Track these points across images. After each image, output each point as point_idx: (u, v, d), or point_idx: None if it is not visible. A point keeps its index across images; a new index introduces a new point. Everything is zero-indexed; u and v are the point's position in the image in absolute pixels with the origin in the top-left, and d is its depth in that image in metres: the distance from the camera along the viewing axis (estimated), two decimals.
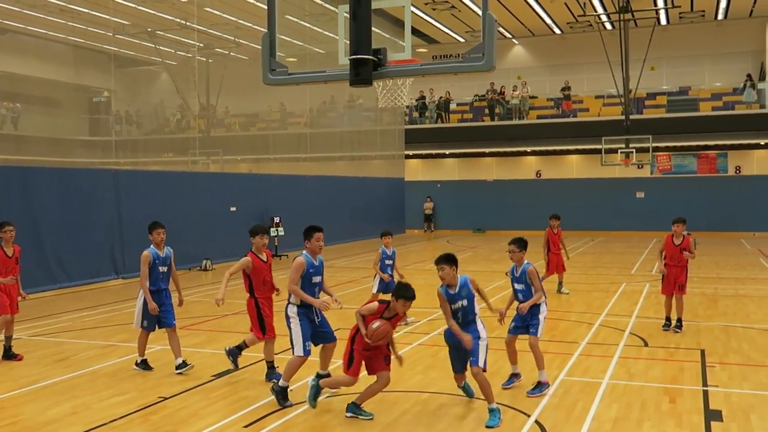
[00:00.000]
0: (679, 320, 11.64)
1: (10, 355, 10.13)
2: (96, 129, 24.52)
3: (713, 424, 7.15)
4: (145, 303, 9.22)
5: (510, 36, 36.54)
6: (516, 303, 8.43)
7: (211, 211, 21.75)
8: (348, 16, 6.25)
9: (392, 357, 7.39)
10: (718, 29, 33.83)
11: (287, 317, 7.80)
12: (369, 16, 6.23)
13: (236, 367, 9.09)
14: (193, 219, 20.65)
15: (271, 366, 8.81)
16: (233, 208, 23.10)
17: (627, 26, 27.51)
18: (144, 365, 9.42)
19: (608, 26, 32.78)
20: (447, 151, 37.08)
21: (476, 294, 7.36)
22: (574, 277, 17.62)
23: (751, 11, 32.21)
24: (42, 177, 17.03)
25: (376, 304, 7.34)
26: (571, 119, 33.25)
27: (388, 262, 12.34)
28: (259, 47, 6.67)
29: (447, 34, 35.83)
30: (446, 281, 7.26)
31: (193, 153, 24.60)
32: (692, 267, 11.93)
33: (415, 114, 36.30)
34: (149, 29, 25.93)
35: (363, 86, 6.39)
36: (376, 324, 7.08)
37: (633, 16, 28.53)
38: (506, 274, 9.19)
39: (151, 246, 9.32)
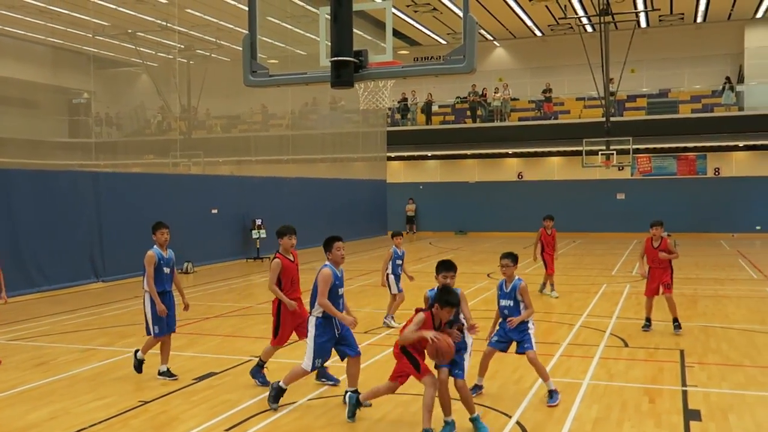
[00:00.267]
0: (676, 320, 11.60)
1: None
2: (76, 131, 24.26)
3: (692, 423, 7.21)
4: (153, 307, 8.85)
5: (491, 38, 36.68)
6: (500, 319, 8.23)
7: (193, 213, 21.61)
8: (329, 17, 6.24)
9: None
10: (697, 32, 34.18)
11: (307, 329, 7.71)
12: (350, 18, 6.22)
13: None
14: (174, 221, 20.06)
15: (261, 365, 8.70)
16: (215, 211, 23.00)
17: (607, 29, 27.71)
18: (139, 367, 9.15)
19: (589, 29, 33.00)
20: (429, 153, 37.16)
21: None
22: (555, 278, 17.67)
23: (730, 14, 32.57)
24: (21, 179, 16.83)
25: (422, 315, 6.74)
26: (553, 121, 33.43)
27: (398, 262, 12.48)
28: (240, 49, 6.65)
29: (428, 36, 35.90)
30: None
31: (174, 155, 24.43)
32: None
33: (397, 116, 36.34)
34: (129, 30, 25.74)
35: (344, 88, 6.38)
36: (432, 344, 6.55)
37: (613, 18, 28.77)
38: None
39: (155, 246, 9.08)
